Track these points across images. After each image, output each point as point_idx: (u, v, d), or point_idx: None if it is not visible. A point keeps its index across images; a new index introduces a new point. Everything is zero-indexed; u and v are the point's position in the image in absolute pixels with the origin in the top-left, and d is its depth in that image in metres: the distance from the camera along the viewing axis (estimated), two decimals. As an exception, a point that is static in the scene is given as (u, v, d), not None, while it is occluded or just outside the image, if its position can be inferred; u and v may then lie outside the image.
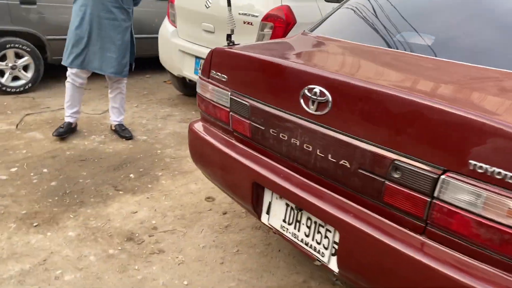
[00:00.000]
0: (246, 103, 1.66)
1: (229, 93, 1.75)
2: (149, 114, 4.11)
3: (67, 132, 3.37)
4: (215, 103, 1.85)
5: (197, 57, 3.98)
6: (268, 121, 1.58)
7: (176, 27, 4.21)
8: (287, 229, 1.61)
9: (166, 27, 4.29)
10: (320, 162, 1.41)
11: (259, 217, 1.72)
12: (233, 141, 1.81)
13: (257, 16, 3.42)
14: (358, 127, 1.29)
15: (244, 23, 3.49)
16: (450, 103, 1.13)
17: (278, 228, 1.64)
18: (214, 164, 1.88)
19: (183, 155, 3.24)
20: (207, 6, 3.75)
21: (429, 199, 1.15)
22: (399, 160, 1.19)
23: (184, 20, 4.09)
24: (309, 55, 1.82)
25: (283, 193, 1.56)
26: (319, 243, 1.49)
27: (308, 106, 1.41)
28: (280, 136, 1.54)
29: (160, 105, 4.41)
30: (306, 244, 1.54)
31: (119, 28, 3.18)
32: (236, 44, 1.95)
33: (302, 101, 1.43)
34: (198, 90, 1.97)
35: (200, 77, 1.95)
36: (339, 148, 1.34)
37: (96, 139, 3.42)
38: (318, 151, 1.40)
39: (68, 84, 3.31)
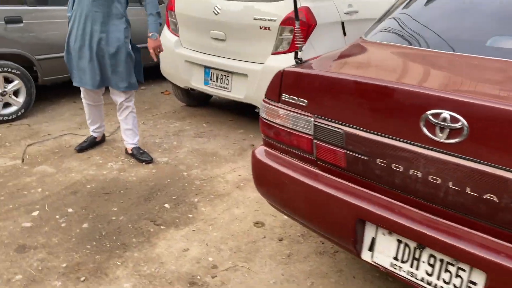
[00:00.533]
0: (339, 130, 1.48)
1: (312, 119, 1.56)
2: (159, 131, 3.84)
3: (90, 146, 3.40)
4: (290, 130, 1.66)
5: (206, 67, 3.75)
6: (373, 151, 1.41)
7: (178, 36, 3.95)
8: (401, 267, 1.44)
9: (167, 37, 4.02)
10: (453, 196, 1.25)
11: (358, 254, 1.55)
12: (317, 171, 1.62)
13: (274, 20, 3.22)
14: (506, 155, 1.13)
15: (261, 28, 3.28)
16: None
17: (387, 266, 1.48)
18: (293, 197, 1.70)
19: (212, 175, 3.02)
20: (216, 12, 3.51)
21: None
22: None
23: (188, 29, 3.84)
24: (412, 70, 1.63)
25: (395, 229, 1.39)
26: (447, 283, 1.33)
27: (434, 134, 1.24)
28: (392, 167, 1.37)
29: (168, 120, 4.15)
30: (429, 283, 1.38)
31: (117, 39, 2.92)
32: (304, 62, 1.76)
33: (424, 128, 1.26)
34: (263, 115, 1.77)
35: (265, 101, 1.75)
36: (481, 181, 1.18)
37: (114, 166, 3.14)
38: (451, 184, 1.24)
39: (83, 102, 3.27)
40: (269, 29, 3.25)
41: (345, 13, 3.52)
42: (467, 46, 1.63)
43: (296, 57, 1.77)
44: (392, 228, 1.40)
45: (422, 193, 1.32)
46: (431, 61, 1.65)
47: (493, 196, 1.17)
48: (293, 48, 3.19)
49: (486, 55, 1.56)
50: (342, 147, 1.49)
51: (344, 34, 3.52)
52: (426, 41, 1.75)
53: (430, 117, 1.24)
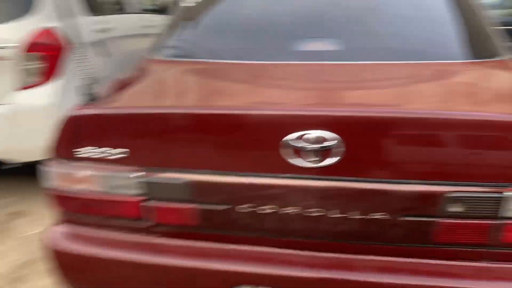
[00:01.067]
0: (182, 180, 1.09)
1: (141, 173, 1.11)
2: None
3: None
4: (104, 195, 1.16)
5: None
6: (232, 196, 1.08)
7: None
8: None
9: None
10: (338, 225, 1.06)
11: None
12: (159, 240, 1.19)
13: (9, 48, 2.44)
14: (390, 168, 1.02)
15: (-8, 60, 2.45)
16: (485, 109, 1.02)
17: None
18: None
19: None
20: None
21: (495, 221, 1.02)
22: (456, 191, 1.00)
23: None
24: (243, 90, 1.34)
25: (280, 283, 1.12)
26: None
27: (303, 159, 1.02)
28: (260, 211, 1.08)
29: None
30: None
31: None
32: (97, 97, 1.27)
33: (286, 156, 1.02)
34: (54, 182, 1.20)
35: (55, 161, 1.18)
36: (367, 200, 1.03)
37: None
38: (334, 213, 1.05)
39: None
40: (4, 60, 2.46)
41: (100, 31, 3.03)
42: (279, 53, 1.50)
43: (87, 92, 1.26)
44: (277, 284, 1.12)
45: (302, 231, 1.09)
46: (256, 74, 1.44)
47: (384, 213, 1.04)
48: (49, 77, 2.52)
49: (300, 60, 1.47)
50: (189, 201, 1.11)
51: (109, 54, 3.04)
52: (234, 52, 1.55)
53: (291, 142, 1.01)
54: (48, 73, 2.51)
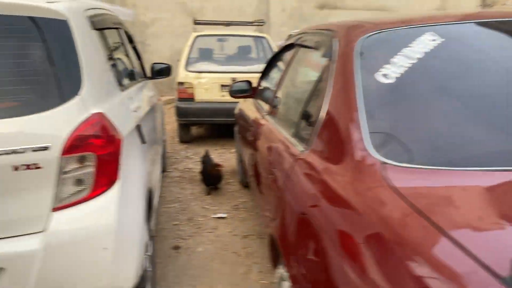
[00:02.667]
0: None
1: None
2: None
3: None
4: None
5: None
6: None
7: None
8: None
9: None
10: None
11: None
12: None
13: (46, 149, 1.63)
14: None
15: (17, 169, 1.60)
16: None
17: None
18: None
19: None
20: None
21: None
22: None
23: None
24: None
25: None
26: None
27: None
28: None
29: None
30: None
31: None
32: None
33: None
34: None
35: None
36: None
37: None
38: None
39: None
40: (37, 167, 1.63)
41: (134, 111, 2.30)
42: None
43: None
44: None
45: None
46: None
47: None
48: (102, 186, 1.72)
49: None
50: None
51: (143, 141, 2.29)
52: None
53: None
54: (101, 180, 1.72)
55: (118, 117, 1.91)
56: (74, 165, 1.68)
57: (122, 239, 1.73)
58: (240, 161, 3.87)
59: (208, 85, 5.50)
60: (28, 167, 1.60)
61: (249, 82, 3.25)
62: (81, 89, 1.72)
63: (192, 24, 6.52)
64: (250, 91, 3.22)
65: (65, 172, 1.66)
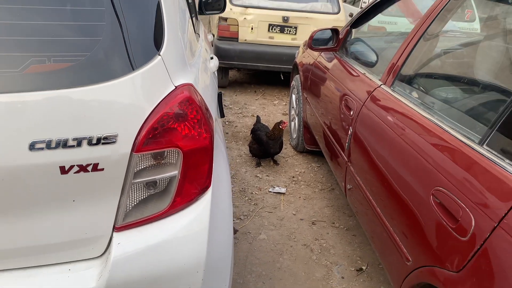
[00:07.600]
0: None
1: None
2: None
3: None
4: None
5: None
6: None
7: None
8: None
9: None
10: None
11: None
12: None
13: (110, 142, 1.02)
14: None
15: (66, 171, 1.00)
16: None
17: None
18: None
19: None
20: None
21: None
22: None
23: None
24: None
25: None
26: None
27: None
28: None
29: None
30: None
31: None
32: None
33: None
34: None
35: None
36: None
37: None
38: None
39: None
40: (97, 168, 1.03)
41: (214, 72, 1.65)
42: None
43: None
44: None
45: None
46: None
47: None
48: (188, 195, 1.14)
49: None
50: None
51: (222, 115, 1.67)
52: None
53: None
54: (187, 187, 1.13)
55: (207, 88, 1.28)
56: (151, 166, 1.08)
57: (212, 276, 1.18)
58: (304, 126, 3.24)
59: (255, 23, 4.71)
60: (82, 168, 1.01)
61: (336, 31, 2.53)
62: (162, 45, 1.08)
63: None
64: (335, 44, 2.52)
65: (137, 176, 1.07)
